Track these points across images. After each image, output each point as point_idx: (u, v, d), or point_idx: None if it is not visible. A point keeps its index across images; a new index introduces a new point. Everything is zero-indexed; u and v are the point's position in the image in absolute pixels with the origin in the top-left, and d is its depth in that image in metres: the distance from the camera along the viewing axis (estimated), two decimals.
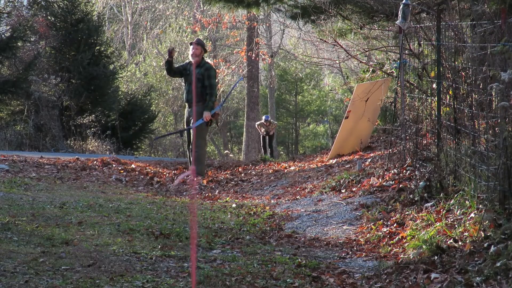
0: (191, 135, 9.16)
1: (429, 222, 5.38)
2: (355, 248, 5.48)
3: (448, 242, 4.71)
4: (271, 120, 17.09)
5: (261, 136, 17.17)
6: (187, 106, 9.45)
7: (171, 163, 11.53)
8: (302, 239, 5.86)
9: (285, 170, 10.33)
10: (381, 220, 6.05)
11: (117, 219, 5.91)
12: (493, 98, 5.52)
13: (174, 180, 9.49)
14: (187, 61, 9.49)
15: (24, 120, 16.76)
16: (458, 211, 5.30)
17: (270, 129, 16.59)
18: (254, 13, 19.33)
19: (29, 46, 17.72)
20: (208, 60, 10.35)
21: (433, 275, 4.20)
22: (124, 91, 21.62)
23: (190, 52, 9.10)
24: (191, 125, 9.09)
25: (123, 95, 20.07)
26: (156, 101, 26.93)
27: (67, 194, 7.36)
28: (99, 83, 17.93)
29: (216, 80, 9.88)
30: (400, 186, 6.83)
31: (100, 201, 6.82)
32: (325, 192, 7.86)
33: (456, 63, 6.37)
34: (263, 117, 17.31)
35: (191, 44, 9.16)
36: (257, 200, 8.13)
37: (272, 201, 7.90)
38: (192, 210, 6.55)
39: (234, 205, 7.41)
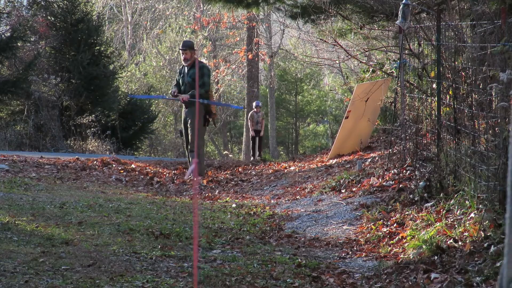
0: (189, 135, 9.28)
1: (429, 222, 5.38)
2: (355, 248, 5.48)
3: (448, 242, 4.71)
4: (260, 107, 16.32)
5: (250, 136, 16.55)
6: (183, 106, 9.55)
7: (171, 163, 11.53)
8: (302, 239, 5.86)
9: (285, 170, 10.33)
10: (381, 220, 6.04)
11: (117, 219, 5.91)
12: (493, 98, 5.51)
13: (174, 180, 9.51)
14: (181, 65, 9.68)
15: (24, 120, 16.76)
16: (458, 211, 5.30)
17: (260, 120, 15.90)
18: (254, 13, 19.33)
19: (29, 46, 17.71)
20: (203, 60, 10.51)
21: (433, 275, 4.20)
22: (124, 91, 21.61)
23: (182, 57, 9.41)
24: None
25: (123, 95, 20.07)
26: (156, 101, 26.92)
27: (67, 194, 7.36)
28: (99, 83, 17.93)
29: (211, 78, 10.06)
30: (400, 186, 6.83)
31: (100, 201, 6.82)
32: (325, 192, 7.86)
33: (456, 63, 6.37)
34: (254, 104, 16.14)
35: (180, 49, 9.52)
36: (257, 200, 8.13)
37: (272, 201, 7.90)
38: (194, 209, 6.55)
39: (234, 205, 7.41)
